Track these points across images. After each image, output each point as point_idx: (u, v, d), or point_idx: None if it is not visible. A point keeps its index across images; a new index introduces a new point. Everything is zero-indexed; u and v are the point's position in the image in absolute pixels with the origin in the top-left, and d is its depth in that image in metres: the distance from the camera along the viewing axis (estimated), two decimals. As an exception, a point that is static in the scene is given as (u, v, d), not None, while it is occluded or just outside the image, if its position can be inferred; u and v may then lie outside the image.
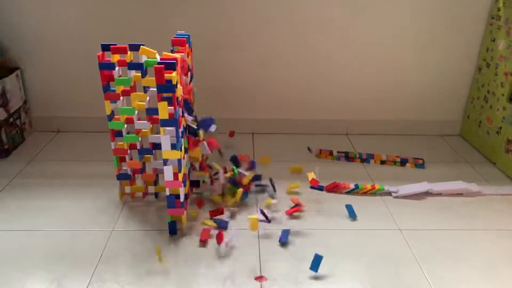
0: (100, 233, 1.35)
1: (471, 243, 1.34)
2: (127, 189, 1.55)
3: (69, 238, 1.32)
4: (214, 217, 1.40)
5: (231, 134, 1.89)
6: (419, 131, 2.09)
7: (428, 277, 1.20)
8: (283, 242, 1.31)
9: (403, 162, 1.81)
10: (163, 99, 1.19)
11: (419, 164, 1.80)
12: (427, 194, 1.60)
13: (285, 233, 1.33)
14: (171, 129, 1.25)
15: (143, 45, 1.31)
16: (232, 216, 1.44)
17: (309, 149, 1.71)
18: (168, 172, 1.25)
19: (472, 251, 1.31)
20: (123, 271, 1.20)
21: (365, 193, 1.59)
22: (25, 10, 1.82)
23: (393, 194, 1.58)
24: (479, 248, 1.33)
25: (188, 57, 1.47)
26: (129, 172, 1.49)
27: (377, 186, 1.58)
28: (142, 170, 1.50)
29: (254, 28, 1.87)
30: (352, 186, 1.58)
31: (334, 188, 1.59)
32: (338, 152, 1.87)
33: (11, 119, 1.83)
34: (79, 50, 1.90)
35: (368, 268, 1.23)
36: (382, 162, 1.82)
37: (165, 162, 1.25)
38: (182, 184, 1.29)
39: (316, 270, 1.20)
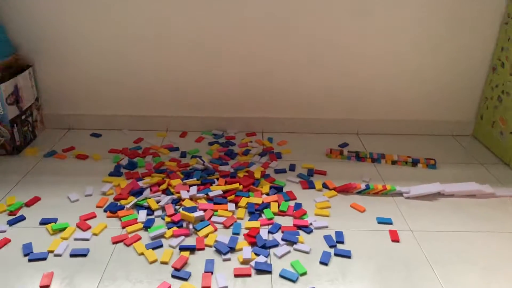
0: (112, 230, 1.36)
1: (484, 245, 1.33)
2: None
3: (80, 235, 1.33)
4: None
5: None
6: (431, 131, 2.07)
7: (440, 279, 1.19)
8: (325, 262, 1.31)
9: (415, 163, 1.79)
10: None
11: (431, 165, 1.78)
12: (439, 195, 1.58)
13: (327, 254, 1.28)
14: None
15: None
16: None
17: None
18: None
19: (485, 253, 1.29)
20: (135, 268, 1.20)
21: (376, 194, 1.58)
22: (37, 7, 1.83)
23: (405, 195, 1.57)
24: (492, 250, 1.31)
25: None
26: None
27: (388, 187, 1.57)
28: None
29: (265, 29, 1.86)
30: (363, 186, 1.57)
31: (345, 189, 1.58)
32: (348, 151, 1.85)
33: (23, 116, 1.85)
34: (90, 48, 1.91)
35: (379, 269, 1.22)
36: (393, 162, 1.80)
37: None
38: None
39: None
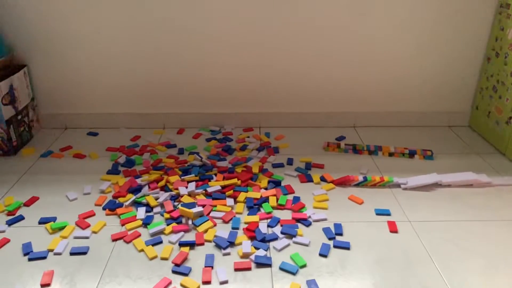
0: (111, 228, 1.36)
1: (482, 234, 1.34)
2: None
3: (79, 233, 1.33)
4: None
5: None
6: (427, 122, 2.08)
7: (439, 268, 1.20)
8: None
9: (412, 154, 1.80)
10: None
11: (428, 156, 1.79)
12: (437, 185, 1.59)
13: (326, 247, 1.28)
14: None
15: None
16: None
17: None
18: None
19: (483, 242, 1.30)
20: (135, 265, 1.21)
21: (374, 186, 1.59)
22: (32, 7, 1.82)
23: (402, 186, 1.58)
24: (490, 239, 1.32)
25: None
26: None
27: (386, 178, 1.57)
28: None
29: (261, 25, 1.86)
30: (360, 178, 1.58)
31: (343, 182, 1.58)
32: (345, 144, 1.86)
33: (19, 117, 1.84)
34: (85, 47, 1.90)
35: (378, 260, 1.23)
36: (390, 154, 1.81)
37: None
38: None
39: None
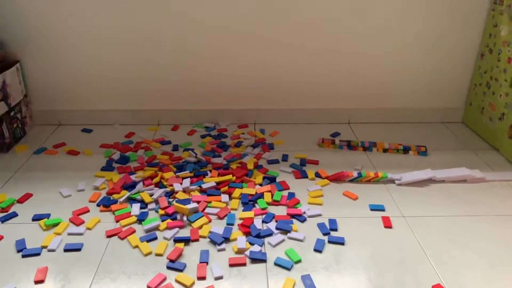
0: (105, 224, 1.35)
1: (476, 229, 1.35)
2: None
3: (73, 230, 1.32)
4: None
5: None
6: (422, 118, 2.09)
7: (433, 263, 1.20)
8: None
9: (406, 150, 1.80)
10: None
11: (422, 152, 1.79)
12: (431, 181, 1.60)
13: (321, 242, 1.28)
14: None
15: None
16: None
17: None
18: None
19: (476, 237, 1.31)
20: (129, 261, 1.20)
21: (368, 181, 1.59)
22: (25, 2, 1.80)
23: (397, 182, 1.58)
24: (483, 234, 1.33)
25: None
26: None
27: (380, 174, 1.58)
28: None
29: (256, 21, 1.86)
30: (355, 174, 1.58)
31: (337, 178, 1.59)
32: (340, 141, 1.86)
33: (12, 113, 1.83)
34: (79, 43, 1.89)
35: (373, 255, 1.23)
36: (385, 150, 1.81)
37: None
38: None
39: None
